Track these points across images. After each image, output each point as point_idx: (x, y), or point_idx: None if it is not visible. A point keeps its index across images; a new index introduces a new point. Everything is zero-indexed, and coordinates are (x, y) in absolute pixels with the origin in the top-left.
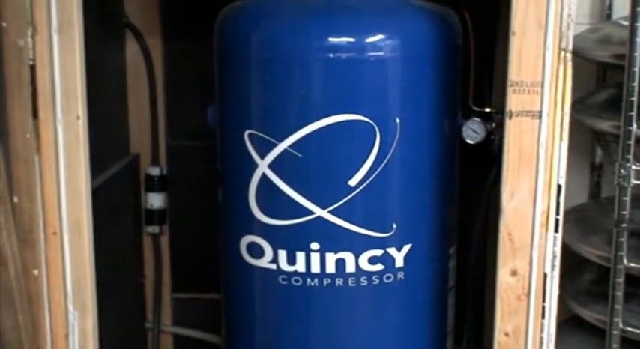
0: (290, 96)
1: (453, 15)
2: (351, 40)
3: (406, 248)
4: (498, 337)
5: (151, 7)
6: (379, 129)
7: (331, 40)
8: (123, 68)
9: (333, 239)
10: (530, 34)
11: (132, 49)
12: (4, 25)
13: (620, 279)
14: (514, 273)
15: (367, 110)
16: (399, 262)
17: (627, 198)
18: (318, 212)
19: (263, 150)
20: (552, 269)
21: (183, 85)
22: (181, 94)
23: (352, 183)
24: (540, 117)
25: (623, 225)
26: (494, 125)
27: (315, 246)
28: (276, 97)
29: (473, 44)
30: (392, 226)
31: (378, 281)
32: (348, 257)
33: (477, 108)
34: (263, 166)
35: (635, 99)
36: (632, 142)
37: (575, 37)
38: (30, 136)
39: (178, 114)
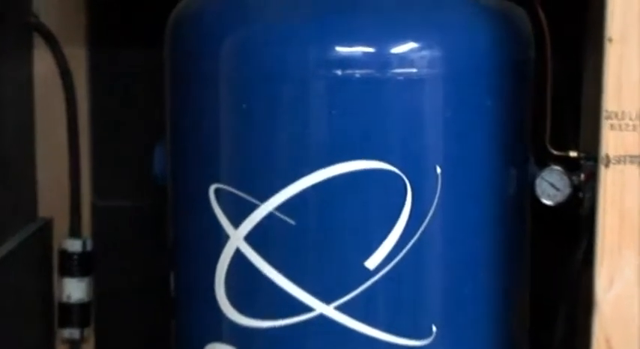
0: (278, 133)
1: (522, 14)
2: (369, 49)
3: None
4: None
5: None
6: (411, 182)
7: (339, 49)
8: (28, 89)
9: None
10: (636, 41)
11: (43, 61)
12: None
13: None
14: None
15: (393, 154)
16: None
17: None
18: (320, 308)
19: (237, 214)
20: None
21: (117, 115)
22: (114, 128)
23: (370, 264)
24: None
25: None
26: (582, 177)
27: None
28: (257, 135)
29: (551, 57)
30: (430, 330)
31: None
32: None
33: (557, 152)
34: (237, 238)
35: None
36: None
37: None
38: None
39: (110, 160)
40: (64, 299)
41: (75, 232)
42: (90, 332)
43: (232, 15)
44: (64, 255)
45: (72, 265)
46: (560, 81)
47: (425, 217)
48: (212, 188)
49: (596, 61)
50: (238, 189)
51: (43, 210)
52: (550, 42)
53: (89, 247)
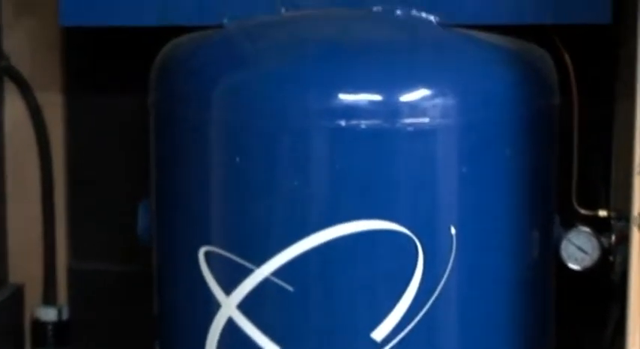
0: (275, 189)
1: (545, 56)
2: (376, 97)
3: None
4: None
5: (47, 42)
6: (423, 245)
7: (343, 97)
8: None
9: None
10: None
11: (14, 108)
12: None
13: None
14: None
15: (403, 213)
16: None
17: None
18: None
19: (229, 279)
20: None
21: (96, 168)
22: (93, 183)
23: (378, 335)
24: None
25: None
26: (613, 239)
27: None
28: (252, 192)
29: (577, 104)
30: None
31: None
32: None
33: (584, 211)
34: (229, 306)
35: None
36: None
37: None
38: None
39: (88, 218)
40: None
41: (49, 299)
42: None
43: (225, 58)
44: (38, 324)
45: (46, 336)
46: (589, 130)
47: (438, 283)
48: (202, 250)
49: (628, 107)
50: (231, 251)
51: (15, 275)
52: (576, 87)
53: (65, 315)
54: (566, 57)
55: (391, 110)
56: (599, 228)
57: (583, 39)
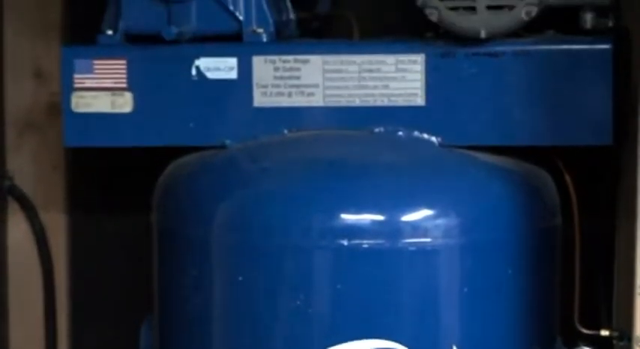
0: (277, 309)
1: (546, 177)
2: (378, 217)
3: None
4: None
5: (51, 162)
6: None
7: (345, 217)
8: (1, 259)
9: None
10: None
11: (18, 228)
12: None
13: None
14: None
15: (404, 334)
16: None
17: None
18: None
19: None
20: None
21: (98, 289)
22: (96, 305)
23: None
24: None
25: None
26: None
27: None
28: (254, 311)
29: (579, 224)
30: None
31: None
32: None
33: (586, 331)
34: None
35: None
36: None
37: None
38: None
39: (90, 341)
40: None
41: None
42: None
43: (228, 177)
44: None
45: None
46: (591, 249)
47: None
48: None
49: (629, 228)
50: None
51: None
52: (578, 207)
53: None
54: (567, 178)
55: (393, 230)
56: (602, 347)
57: (584, 159)
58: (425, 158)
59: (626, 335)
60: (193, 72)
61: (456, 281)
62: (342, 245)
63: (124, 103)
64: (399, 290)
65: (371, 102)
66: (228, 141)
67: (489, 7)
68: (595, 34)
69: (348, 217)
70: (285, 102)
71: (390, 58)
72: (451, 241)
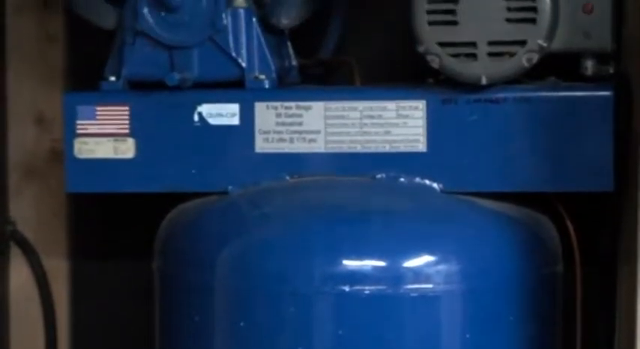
0: None
1: (548, 224)
2: (380, 263)
3: None
4: None
5: (53, 208)
6: None
7: (347, 263)
8: (3, 305)
9: None
10: None
11: (20, 273)
12: None
13: None
14: None
15: None
16: None
17: None
18: None
19: None
20: None
21: (102, 334)
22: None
23: None
24: None
25: None
26: None
27: None
28: None
29: (580, 271)
30: None
31: None
32: None
33: None
34: None
35: None
36: None
37: None
38: None
39: None
40: None
41: None
42: None
43: (230, 223)
44: None
45: None
46: (592, 296)
47: None
48: None
49: (630, 274)
50: None
51: None
52: (580, 254)
53: None
54: (569, 224)
55: (395, 276)
56: None
57: (586, 205)
58: (426, 204)
59: None
60: (196, 118)
61: (457, 327)
62: (344, 291)
63: (127, 149)
64: (401, 337)
65: (372, 148)
66: (230, 188)
67: (490, 54)
68: (596, 80)
69: (350, 263)
70: (287, 148)
71: (392, 104)
72: (453, 287)
